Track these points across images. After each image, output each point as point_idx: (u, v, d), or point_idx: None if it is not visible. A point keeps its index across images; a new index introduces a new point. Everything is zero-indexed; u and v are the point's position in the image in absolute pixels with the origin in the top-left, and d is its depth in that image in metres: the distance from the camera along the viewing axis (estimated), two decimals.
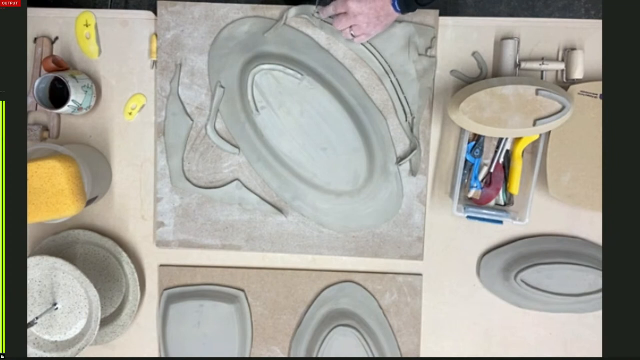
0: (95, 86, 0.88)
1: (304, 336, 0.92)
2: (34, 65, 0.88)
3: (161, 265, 0.93)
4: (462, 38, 0.88)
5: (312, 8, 0.86)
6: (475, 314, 0.92)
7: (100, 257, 0.90)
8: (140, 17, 0.90)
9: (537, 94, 0.78)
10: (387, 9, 0.77)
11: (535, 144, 0.86)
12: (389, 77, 0.87)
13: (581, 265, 0.87)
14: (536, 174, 0.85)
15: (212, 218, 0.90)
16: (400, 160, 0.88)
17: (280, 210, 0.90)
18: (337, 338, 0.90)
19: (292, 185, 0.89)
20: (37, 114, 0.91)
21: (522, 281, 0.88)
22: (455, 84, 0.88)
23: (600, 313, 0.90)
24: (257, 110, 0.88)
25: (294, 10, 0.86)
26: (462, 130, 0.86)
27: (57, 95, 0.85)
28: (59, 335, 0.85)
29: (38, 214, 0.77)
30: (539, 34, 0.87)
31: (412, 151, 0.88)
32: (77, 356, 0.83)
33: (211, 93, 0.89)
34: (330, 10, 0.81)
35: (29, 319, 0.81)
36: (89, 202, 0.83)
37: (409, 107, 0.87)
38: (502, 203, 0.90)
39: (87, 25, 0.89)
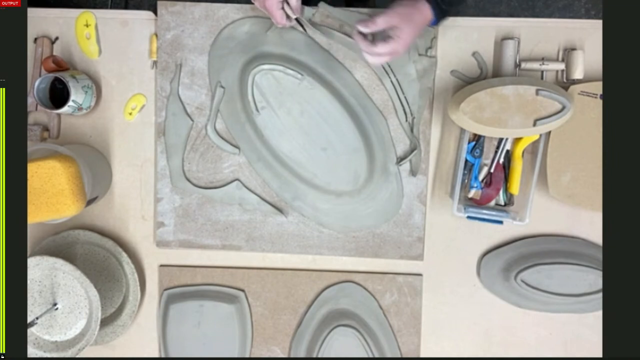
0: (95, 86, 0.88)
1: (304, 336, 0.92)
2: (34, 65, 0.88)
3: (161, 265, 0.93)
4: (462, 38, 0.88)
5: (311, 10, 0.85)
6: (475, 314, 0.92)
7: (100, 257, 0.90)
8: (140, 17, 0.90)
9: (537, 94, 0.78)
10: (423, 27, 0.75)
11: (535, 144, 0.86)
12: (389, 77, 0.87)
13: (581, 265, 0.87)
14: (536, 174, 0.85)
15: (212, 218, 0.90)
16: (400, 160, 0.88)
17: (280, 210, 0.90)
18: (337, 338, 0.90)
19: (292, 185, 0.89)
20: (37, 114, 0.91)
21: (522, 281, 0.88)
22: (455, 84, 0.88)
23: (600, 313, 0.90)
24: (257, 110, 0.88)
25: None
26: (462, 130, 0.86)
27: (57, 95, 0.85)
28: (59, 335, 0.85)
29: (38, 214, 0.77)
30: (539, 34, 0.87)
31: (412, 151, 0.88)
32: (77, 356, 0.83)
33: (211, 93, 0.89)
34: (375, 24, 0.72)
35: (29, 319, 0.81)
36: (89, 202, 0.83)
37: (409, 107, 0.87)
38: (502, 203, 0.90)
39: (87, 25, 0.89)
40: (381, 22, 0.72)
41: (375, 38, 0.74)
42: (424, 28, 0.75)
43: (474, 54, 0.88)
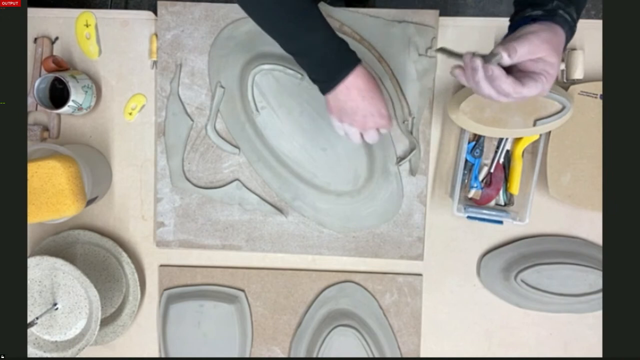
0: (95, 86, 0.88)
1: (304, 336, 0.92)
2: (34, 65, 0.88)
3: (161, 265, 0.93)
4: (462, 38, 0.88)
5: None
6: (475, 314, 0.92)
7: (100, 257, 0.90)
8: (140, 17, 0.90)
9: None
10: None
11: (535, 144, 0.86)
12: (389, 77, 0.87)
13: (581, 265, 0.87)
14: (536, 174, 0.85)
15: (212, 218, 0.90)
16: (400, 160, 0.88)
17: (280, 210, 0.90)
18: (337, 338, 0.89)
19: (292, 185, 0.89)
20: (37, 114, 0.91)
21: (522, 281, 0.88)
22: (455, 84, 0.88)
23: (600, 313, 0.90)
24: (257, 110, 0.88)
25: None
26: (462, 130, 0.86)
27: (57, 95, 0.85)
28: (59, 335, 0.85)
29: (38, 214, 0.77)
30: None
31: (411, 151, 0.88)
32: (77, 356, 0.83)
33: (211, 93, 0.89)
34: (517, 52, 0.54)
35: (29, 319, 0.81)
36: (89, 202, 0.83)
37: (409, 107, 0.87)
38: (502, 203, 0.90)
39: (87, 25, 0.89)
40: (524, 51, 0.54)
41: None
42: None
43: (474, 54, 0.87)
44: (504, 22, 0.87)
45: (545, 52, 0.55)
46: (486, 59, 0.55)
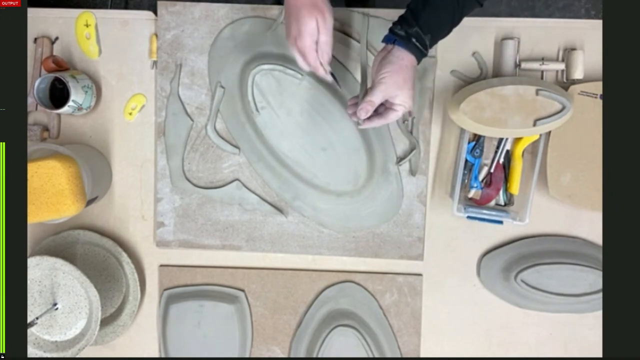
0: (95, 86, 0.88)
1: (304, 336, 0.92)
2: (34, 65, 0.88)
3: (161, 265, 0.93)
4: (462, 38, 0.88)
5: None
6: (475, 314, 0.92)
7: (100, 257, 0.90)
8: (140, 17, 0.90)
9: (537, 94, 0.78)
10: (413, 71, 0.70)
11: (535, 144, 0.86)
12: None
13: (581, 265, 0.87)
14: (536, 174, 0.85)
15: (212, 218, 0.90)
16: (400, 160, 0.88)
17: (280, 210, 0.90)
18: (337, 338, 0.90)
19: (292, 185, 0.89)
20: (37, 114, 0.91)
21: (522, 281, 0.88)
22: (455, 84, 0.88)
23: (600, 313, 0.90)
24: (257, 110, 0.88)
25: None
26: (462, 130, 0.86)
27: (57, 95, 0.85)
28: (59, 335, 0.85)
29: (38, 214, 0.77)
30: (539, 34, 0.87)
31: (411, 151, 0.88)
32: (77, 356, 0.83)
33: (211, 93, 0.89)
34: (374, 103, 0.70)
35: (29, 319, 0.81)
36: (89, 202, 0.83)
37: None
38: (502, 203, 0.90)
39: (87, 25, 0.89)
40: (378, 98, 0.69)
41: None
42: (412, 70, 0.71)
43: (474, 54, 0.88)
44: (503, 22, 0.88)
45: (397, 91, 0.69)
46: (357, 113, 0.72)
